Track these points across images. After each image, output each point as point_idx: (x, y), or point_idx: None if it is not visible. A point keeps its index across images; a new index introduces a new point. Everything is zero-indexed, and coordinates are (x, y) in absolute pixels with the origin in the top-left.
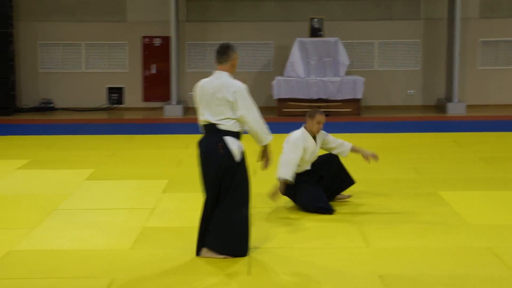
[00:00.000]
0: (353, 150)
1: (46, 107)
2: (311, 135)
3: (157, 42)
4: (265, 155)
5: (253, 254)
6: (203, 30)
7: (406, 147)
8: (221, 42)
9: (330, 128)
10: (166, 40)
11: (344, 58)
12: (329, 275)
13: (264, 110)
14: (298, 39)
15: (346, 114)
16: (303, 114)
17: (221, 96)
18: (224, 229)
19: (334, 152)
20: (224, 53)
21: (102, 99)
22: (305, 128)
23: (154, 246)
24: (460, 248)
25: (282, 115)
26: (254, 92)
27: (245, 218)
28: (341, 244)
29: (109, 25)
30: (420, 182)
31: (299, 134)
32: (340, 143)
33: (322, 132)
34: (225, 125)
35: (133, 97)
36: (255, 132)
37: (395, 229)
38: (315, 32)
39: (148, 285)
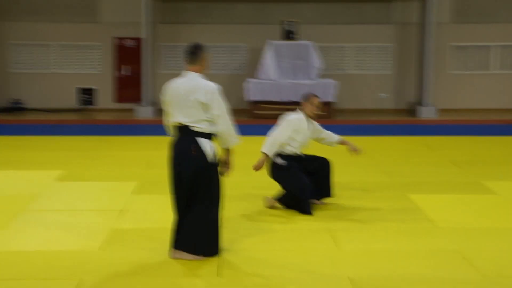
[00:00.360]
0: (341, 142)
1: (16, 107)
2: (306, 118)
3: (130, 43)
4: (226, 161)
5: (223, 255)
6: (177, 32)
7: (377, 151)
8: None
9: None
10: (138, 41)
11: (316, 61)
12: (299, 277)
13: (237, 112)
14: (270, 41)
15: (318, 117)
16: (275, 117)
17: (194, 98)
18: (195, 230)
19: (323, 142)
20: (194, 54)
21: (73, 100)
22: (301, 111)
23: (123, 247)
24: (430, 251)
25: (255, 117)
26: (227, 94)
27: (215, 220)
28: (311, 246)
29: (80, 26)
30: (391, 185)
31: (295, 116)
32: (330, 134)
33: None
34: (198, 127)
35: (105, 98)
36: (225, 133)
37: (365, 231)
38: (287, 35)
39: (116, 286)
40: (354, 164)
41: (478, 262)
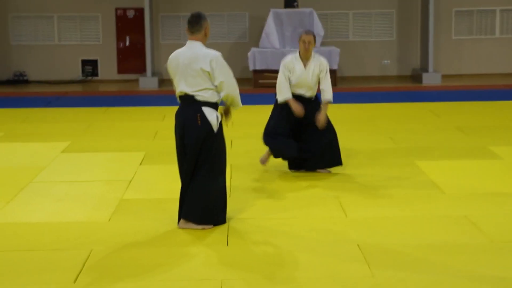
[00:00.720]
0: (322, 106)
1: (19, 80)
2: (301, 58)
3: (131, 14)
4: (227, 112)
5: (230, 224)
6: (177, 2)
7: (382, 117)
8: None
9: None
10: (139, 12)
11: (318, 29)
12: (307, 245)
13: (240, 82)
14: (272, 10)
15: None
16: None
17: (197, 67)
18: (201, 199)
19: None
20: (196, 23)
21: (76, 72)
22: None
23: (132, 217)
24: (437, 217)
25: (258, 86)
26: (230, 64)
27: (222, 188)
28: (319, 214)
29: None
30: (396, 151)
31: (288, 57)
32: (326, 91)
33: (324, 64)
34: (202, 96)
35: (108, 69)
36: (232, 97)
37: (373, 198)
38: (289, 3)
39: (126, 256)
40: (360, 131)
41: (485, 227)
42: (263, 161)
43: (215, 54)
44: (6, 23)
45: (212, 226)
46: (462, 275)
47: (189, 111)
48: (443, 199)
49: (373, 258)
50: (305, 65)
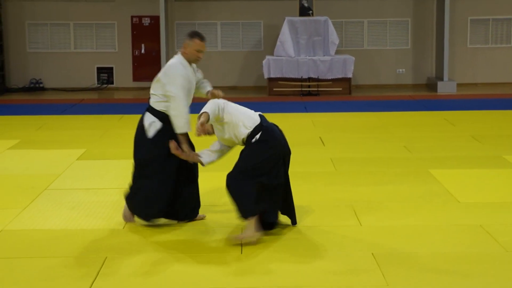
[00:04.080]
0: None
1: (35, 87)
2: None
3: (146, 21)
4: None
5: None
6: (192, 10)
7: (396, 126)
8: (210, 21)
9: (321, 107)
10: (155, 19)
11: (333, 37)
12: (322, 253)
13: (255, 90)
14: (287, 18)
15: (337, 94)
16: (294, 94)
17: (159, 74)
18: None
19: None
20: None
21: (92, 79)
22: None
23: (147, 225)
24: (452, 226)
25: (273, 94)
26: (245, 72)
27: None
28: (333, 223)
29: (97, 5)
30: (411, 160)
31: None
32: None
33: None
34: (150, 100)
35: (123, 77)
36: (172, 116)
37: (387, 207)
38: (304, 11)
39: (141, 263)
40: (374, 139)
41: (500, 236)
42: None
43: (170, 64)
44: (23, 31)
45: (141, 219)
46: (476, 285)
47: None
48: (458, 208)
49: (387, 267)
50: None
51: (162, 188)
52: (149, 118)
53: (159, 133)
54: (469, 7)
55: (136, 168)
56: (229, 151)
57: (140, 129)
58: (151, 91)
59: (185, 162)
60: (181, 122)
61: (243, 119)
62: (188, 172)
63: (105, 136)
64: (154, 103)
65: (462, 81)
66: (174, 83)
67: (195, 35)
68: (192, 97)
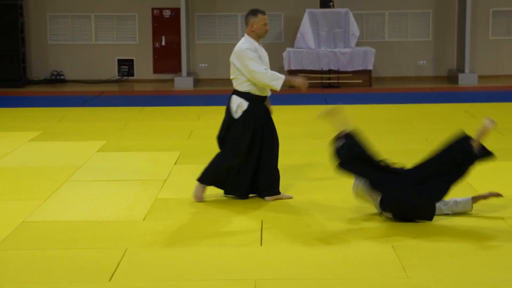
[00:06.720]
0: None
1: (56, 79)
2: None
3: (167, 13)
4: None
5: (264, 225)
6: (213, 2)
7: (417, 118)
8: (230, 13)
9: (342, 99)
10: (175, 11)
11: (354, 29)
12: (341, 246)
13: None
14: (308, 10)
15: (357, 86)
16: (314, 86)
17: (231, 59)
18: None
19: None
20: (245, 18)
21: (112, 71)
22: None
23: (166, 217)
24: (473, 218)
25: (293, 86)
26: None
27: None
28: (353, 215)
29: None
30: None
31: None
32: None
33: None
34: (234, 83)
35: (144, 69)
36: (264, 85)
37: None
38: (325, 3)
39: (161, 255)
40: (395, 132)
41: None
42: None
43: (239, 47)
44: (44, 23)
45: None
46: (497, 276)
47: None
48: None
49: (407, 259)
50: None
51: (246, 167)
52: (236, 100)
53: (245, 113)
54: None
55: (224, 148)
56: None
57: (228, 111)
58: (231, 76)
59: (269, 139)
60: (272, 80)
61: None
62: (269, 148)
63: (125, 128)
64: (238, 85)
65: (483, 73)
66: (245, 58)
67: (257, 11)
68: (268, 65)
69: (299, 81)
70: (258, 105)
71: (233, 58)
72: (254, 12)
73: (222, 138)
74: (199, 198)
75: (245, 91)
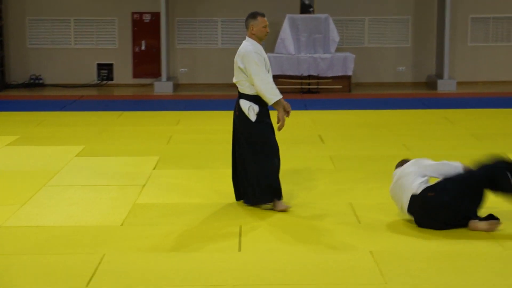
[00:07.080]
0: None
1: (35, 83)
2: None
3: (147, 18)
4: (278, 116)
5: (243, 229)
6: (193, 6)
7: (396, 124)
8: (210, 18)
9: (321, 105)
10: (155, 16)
11: (334, 35)
12: (320, 252)
13: None
14: (288, 15)
15: (337, 91)
16: (294, 91)
17: (235, 61)
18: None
19: None
20: (245, 21)
21: (92, 76)
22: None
23: (145, 222)
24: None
25: None
26: None
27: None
28: (332, 220)
29: (98, 1)
30: (410, 158)
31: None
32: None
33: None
34: (240, 88)
35: (123, 73)
36: (260, 92)
37: (386, 205)
38: (305, 9)
39: (139, 261)
40: (374, 138)
41: (497, 233)
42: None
43: (246, 49)
44: (23, 27)
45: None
46: (476, 282)
47: (236, 102)
48: None
49: (385, 265)
50: None
51: (278, 165)
52: (245, 104)
53: (259, 114)
54: (470, 5)
55: (256, 156)
56: None
57: (241, 115)
58: (235, 80)
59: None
60: (270, 93)
61: None
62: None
63: (104, 133)
64: (244, 89)
65: (462, 80)
66: (250, 62)
67: (256, 14)
68: (271, 72)
69: (281, 115)
70: (265, 108)
71: (238, 60)
72: (253, 15)
73: (239, 141)
74: (286, 207)
75: (254, 94)
